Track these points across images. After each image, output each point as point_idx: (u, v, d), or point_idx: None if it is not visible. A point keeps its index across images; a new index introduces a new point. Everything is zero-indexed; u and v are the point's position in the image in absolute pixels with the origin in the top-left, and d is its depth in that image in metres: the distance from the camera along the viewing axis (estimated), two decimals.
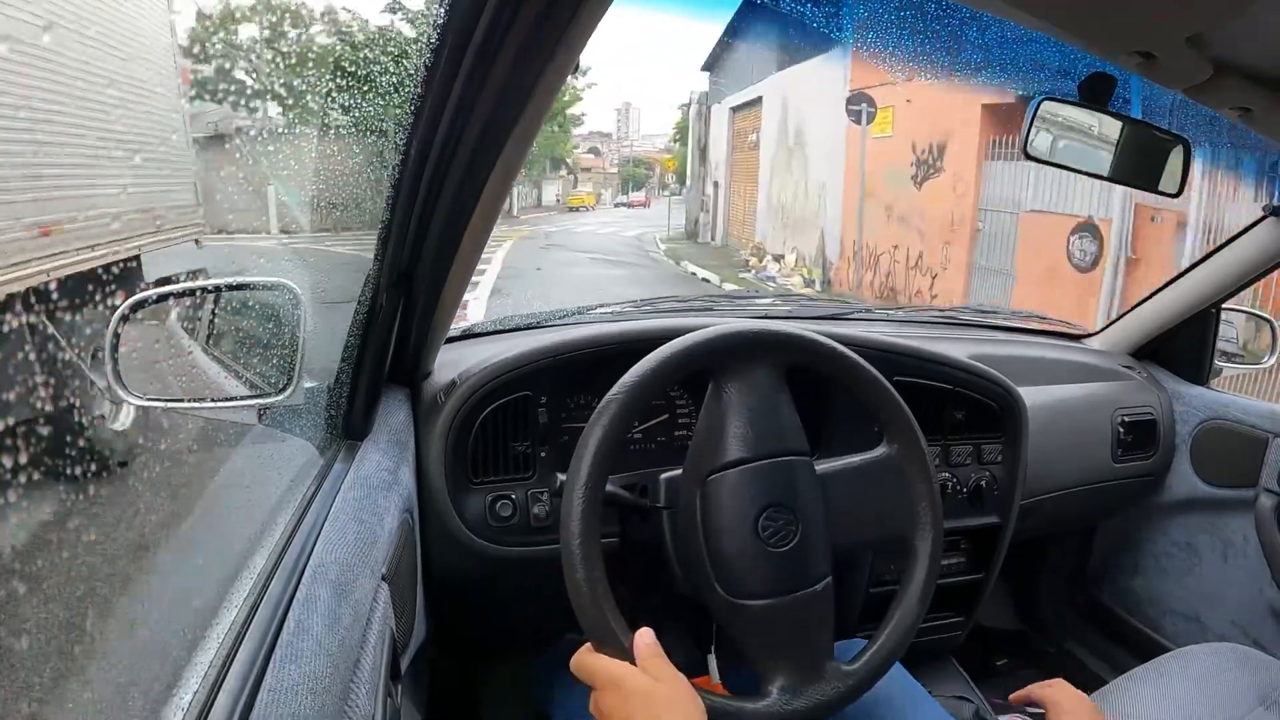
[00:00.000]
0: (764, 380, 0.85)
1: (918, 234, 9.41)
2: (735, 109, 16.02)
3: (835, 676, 0.81)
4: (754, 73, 14.16)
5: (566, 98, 23.98)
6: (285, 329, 0.99)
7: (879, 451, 0.90)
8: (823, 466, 0.87)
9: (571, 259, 14.19)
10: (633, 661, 0.73)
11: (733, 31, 15.06)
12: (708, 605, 0.84)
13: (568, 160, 31.09)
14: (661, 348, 0.83)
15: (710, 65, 17.81)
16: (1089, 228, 6.41)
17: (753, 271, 12.43)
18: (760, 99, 14.05)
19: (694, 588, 0.85)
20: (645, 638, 0.74)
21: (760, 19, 13.26)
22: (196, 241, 4.83)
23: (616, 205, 36.45)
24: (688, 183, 19.77)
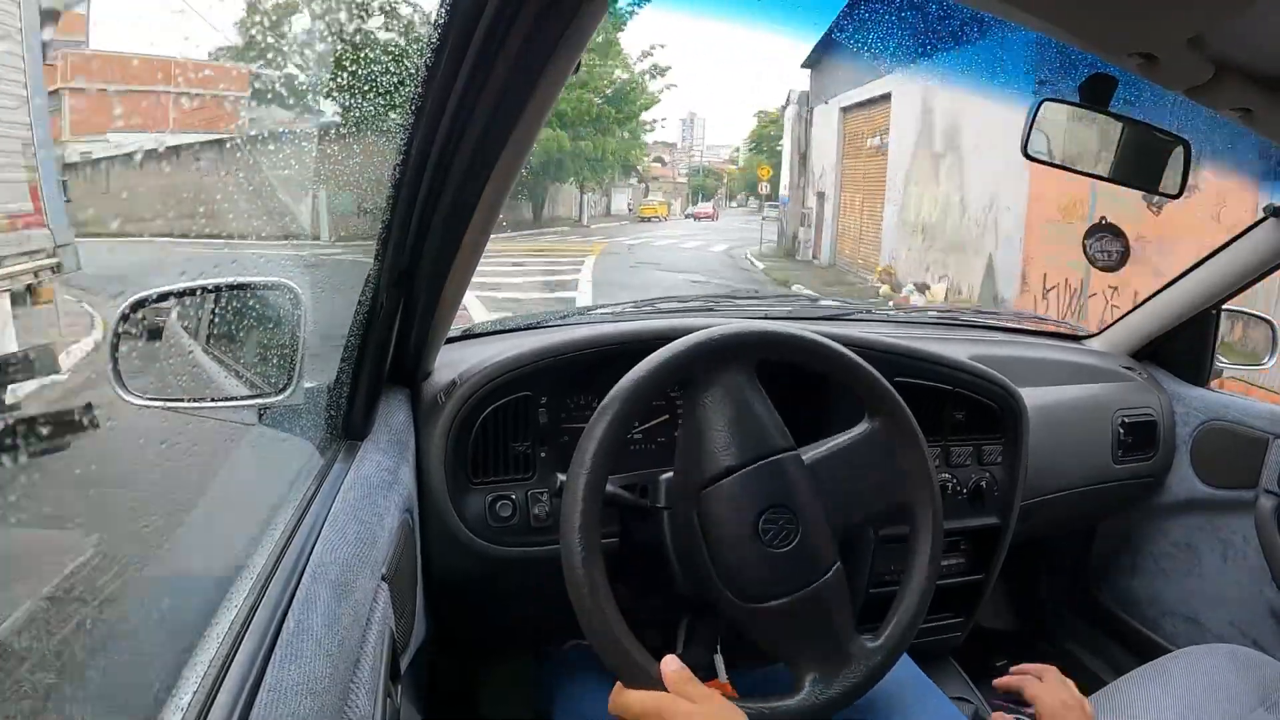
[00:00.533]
0: (735, 384, 0.85)
1: (1151, 271, 6.82)
2: (848, 109, 13.95)
3: (862, 655, 0.82)
4: (874, 68, 11.79)
5: (643, 100, 22.92)
6: (285, 329, 0.99)
7: (861, 427, 0.89)
8: (809, 455, 0.87)
9: (670, 281, 12.07)
10: (663, 688, 0.73)
11: (846, 22, 12.07)
12: (723, 612, 0.84)
13: (639, 168, 29.69)
14: (661, 349, 0.83)
15: (814, 61, 15.41)
16: None
17: (889, 303, 9.37)
18: (888, 96, 11.87)
19: (706, 596, 0.85)
20: (672, 664, 0.74)
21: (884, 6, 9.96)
22: (56, 268, 4.30)
23: (686, 216, 35.32)
24: (781, 193, 17.60)
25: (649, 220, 30.16)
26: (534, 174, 20.39)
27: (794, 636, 0.82)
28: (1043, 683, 0.93)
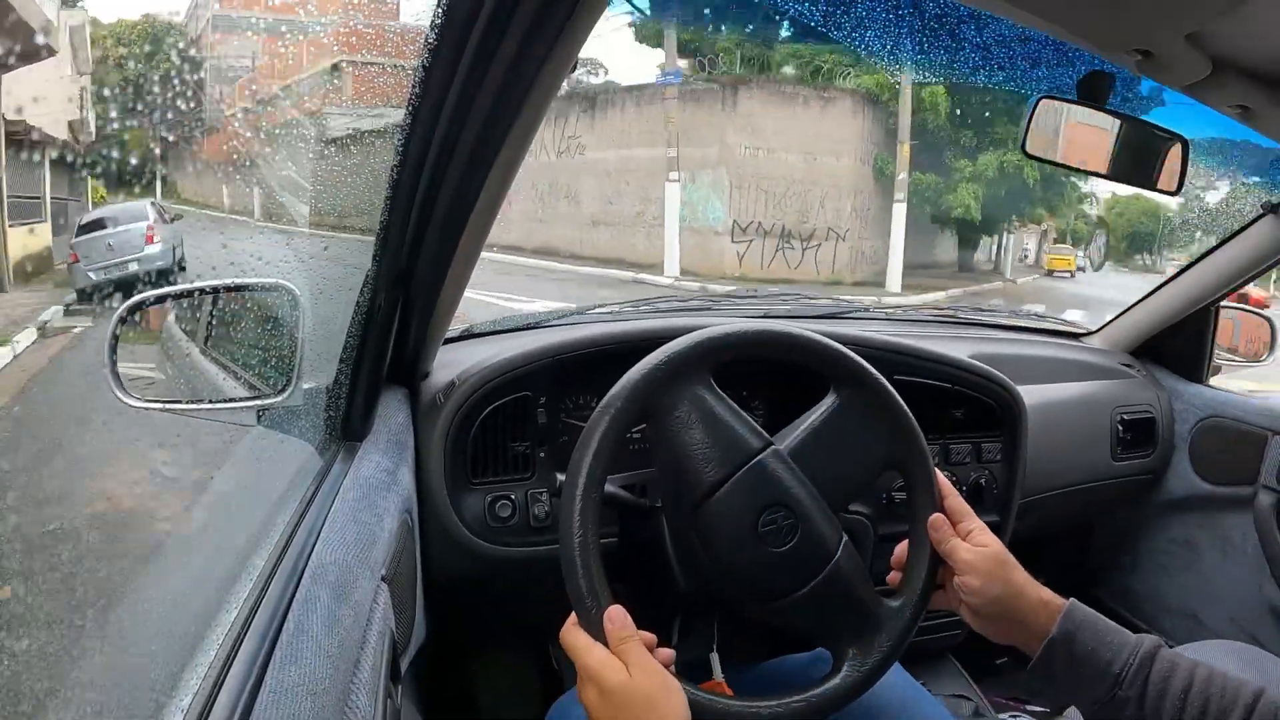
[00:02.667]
0: (695, 398, 0.83)
1: None
2: None
3: (890, 617, 0.83)
4: None
5: None
6: (284, 330, 0.98)
7: (828, 400, 0.87)
8: (786, 444, 0.85)
9: None
10: (603, 635, 0.73)
11: None
12: (748, 612, 0.85)
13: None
14: (663, 347, 0.83)
15: None
16: None
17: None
18: None
19: (725, 597, 0.86)
20: (615, 618, 0.73)
21: None
22: None
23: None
24: None
25: (1054, 274, 19.72)
26: (983, 211, 13.46)
27: (823, 620, 0.83)
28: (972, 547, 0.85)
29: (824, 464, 0.85)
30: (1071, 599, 0.83)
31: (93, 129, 9.06)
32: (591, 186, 13.87)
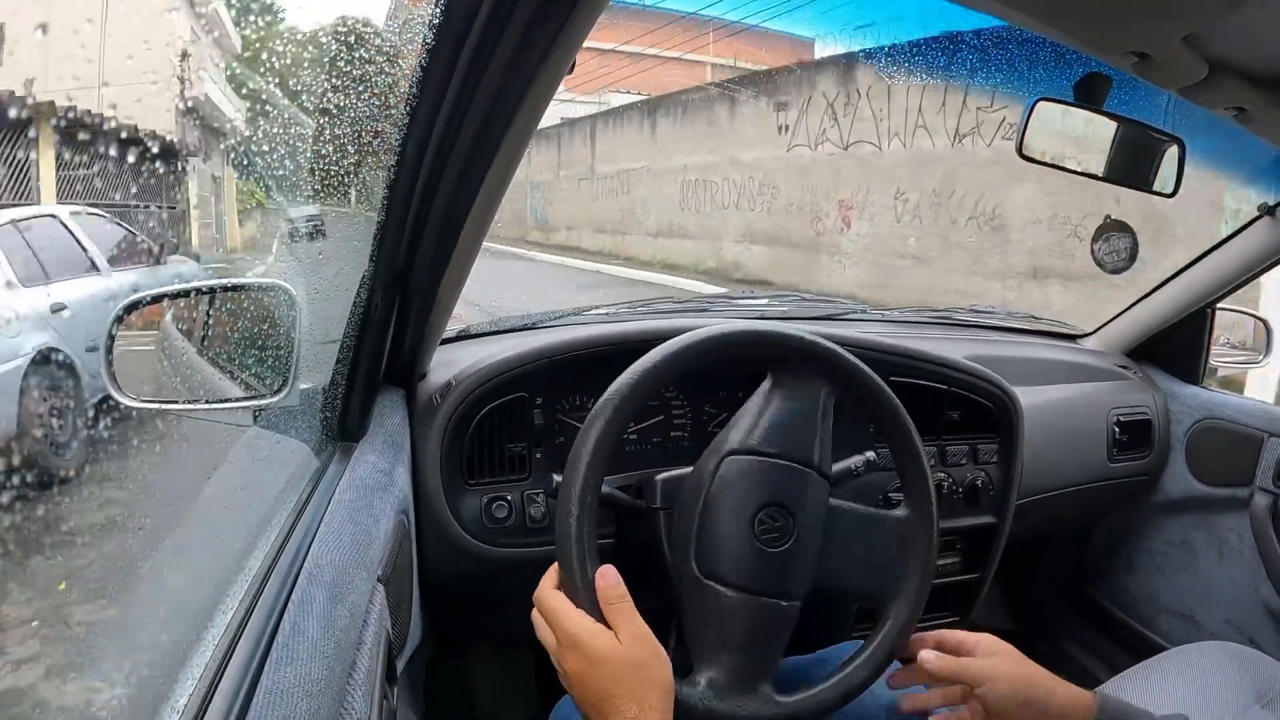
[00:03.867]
0: (813, 394, 0.86)
1: None
2: None
3: (762, 700, 0.80)
4: None
5: None
6: (280, 330, 0.98)
7: (897, 513, 0.89)
8: (836, 499, 0.86)
9: None
10: (595, 604, 0.71)
11: None
12: (675, 579, 0.83)
13: None
14: (657, 349, 0.83)
15: None
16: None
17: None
18: None
19: (672, 562, 0.84)
20: (608, 575, 0.72)
21: None
22: None
23: None
24: None
25: None
26: None
27: (722, 634, 0.80)
28: (983, 658, 0.85)
29: (845, 541, 0.85)
30: (1097, 690, 0.81)
31: None
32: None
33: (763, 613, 0.80)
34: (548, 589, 0.74)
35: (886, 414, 0.88)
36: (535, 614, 0.75)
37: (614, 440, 0.78)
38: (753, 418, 0.85)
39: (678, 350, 0.83)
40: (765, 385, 0.87)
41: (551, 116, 8.41)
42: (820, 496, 0.84)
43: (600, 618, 0.71)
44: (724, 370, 0.87)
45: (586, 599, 0.72)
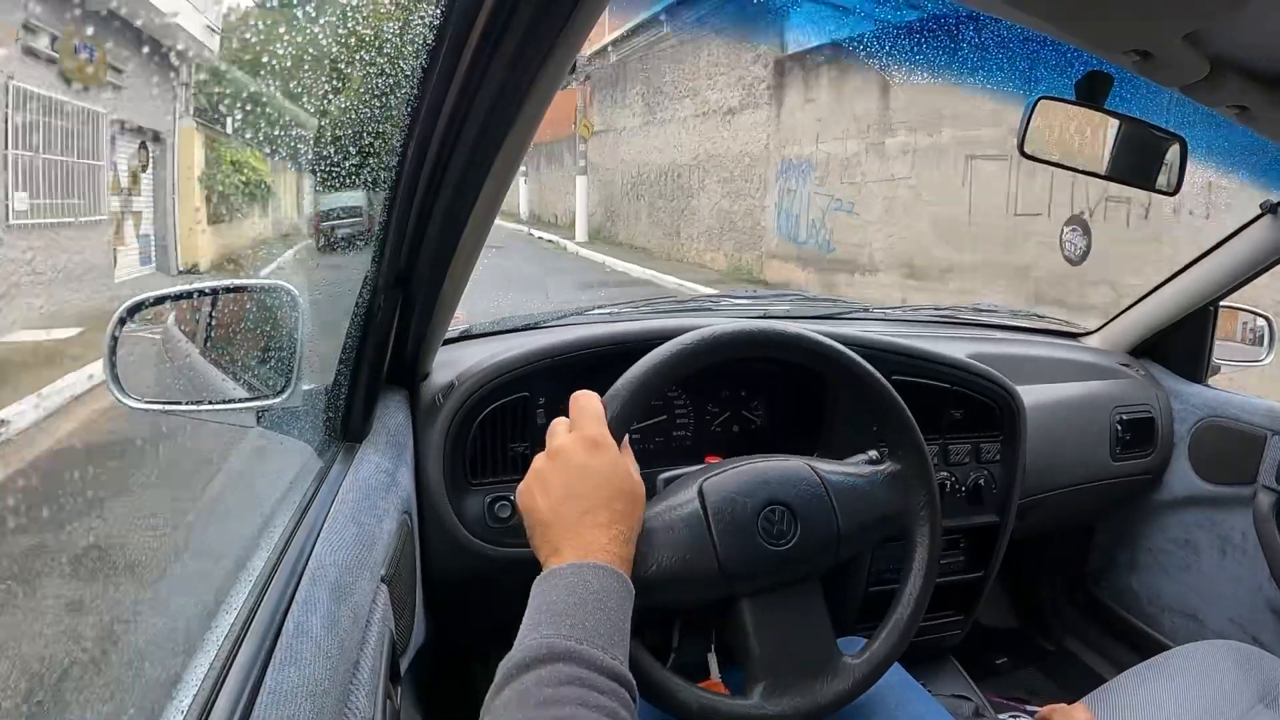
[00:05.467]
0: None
1: None
2: None
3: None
4: None
5: None
6: (283, 331, 0.98)
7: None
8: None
9: None
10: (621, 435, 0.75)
11: None
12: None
13: None
14: (660, 348, 0.83)
15: None
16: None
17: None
18: None
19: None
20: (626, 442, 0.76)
21: None
22: None
23: None
24: None
25: None
26: None
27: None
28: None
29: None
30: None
31: None
32: None
33: (701, 562, 0.78)
34: (593, 395, 0.76)
35: (780, 347, 0.88)
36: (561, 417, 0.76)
37: (616, 439, 0.78)
38: (852, 468, 0.87)
39: (678, 350, 0.83)
40: (885, 465, 0.88)
41: None
42: (823, 558, 0.83)
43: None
44: (724, 369, 0.86)
45: (615, 423, 0.75)
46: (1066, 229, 5.90)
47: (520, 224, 19.79)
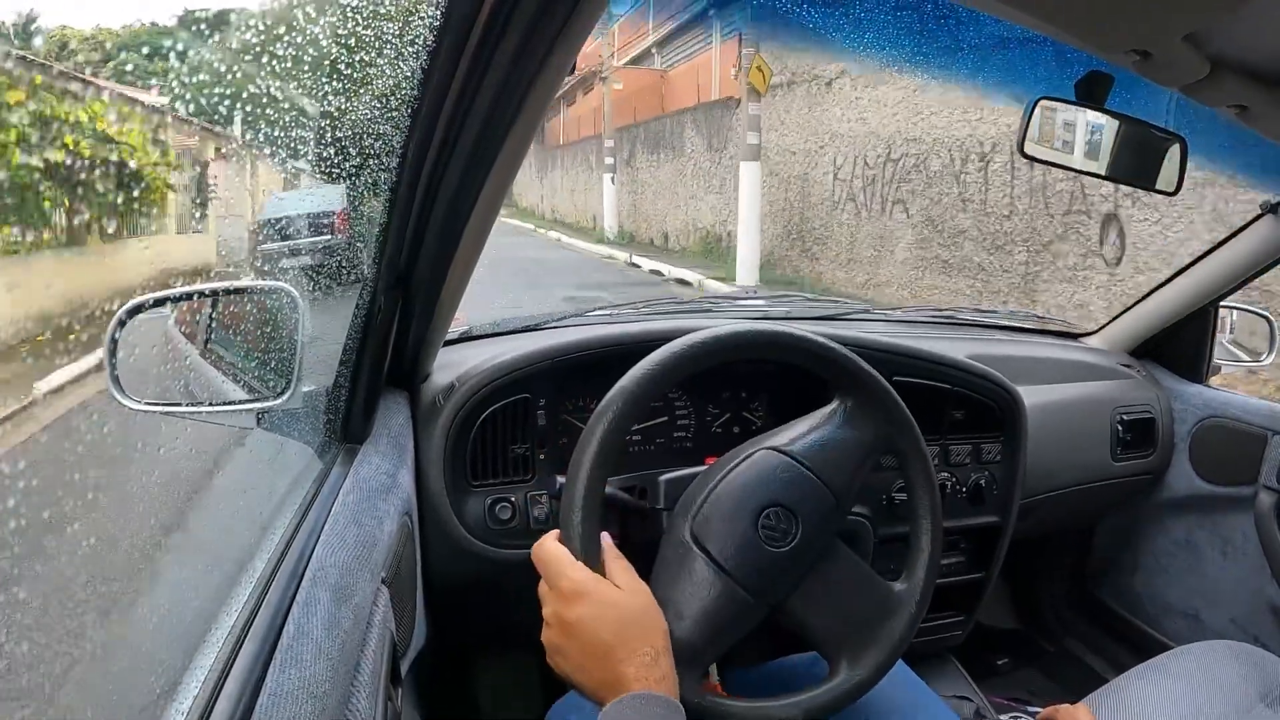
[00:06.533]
0: (870, 432, 0.87)
1: None
2: None
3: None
4: None
5: None
6: (283, 332, 0.98)
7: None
8: (843, 546, 0.85)
9: None
10: (596, 558, 0.73)
11: None
12: (664, 530, 0.83)
13: None
14: (659, 350, 0.83)
15: None
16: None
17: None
18: None
19: (670, 519, 0.85)
20: (605, 540, 0.74)
21: None
22: None
23: None
24: None
25: None
26: None
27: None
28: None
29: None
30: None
31: None
32: None
33: (730, 599, 0.78)
34: (550, 540, 0.75)
35: (780, 349, 0.88)
36: (538, 563, 0.75)
37: (618, 440, 0.78)
38: (806, 427, 0.86)
39: (678, 350, 0.82)
40: (833, 405, 0.88)
41: None
42: (830, 525, 0.83)
43: (601, 572, 0.73)
44: (724, 369, 0.86)
45: (586, 552, 0.73)
46: None
47: (601, 244, 13.33)
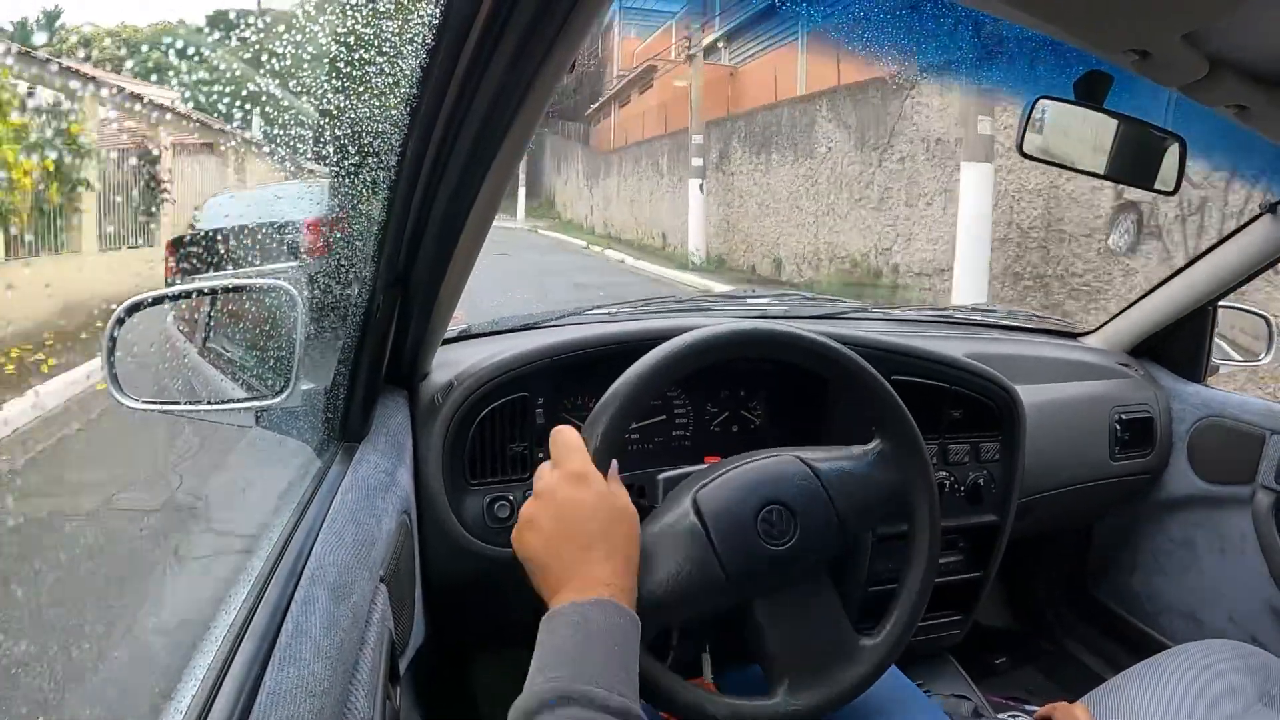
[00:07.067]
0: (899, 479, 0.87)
1: None
2: None
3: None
4: None
5: None
6: (282, 331, 0.98)
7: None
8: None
9: None
10: (605, 463, 0.74)
11: None
12: (661, 490, 0.85)
13: None
14: (658, 348, 0.83)
15: None
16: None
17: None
18: None
19: (671, 489, 0.85)
20: (615, 465, 0.76)
21: None
22: None
23: None
24: None
25: None
26: None
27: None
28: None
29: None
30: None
31: None
32: None
33: (706, 572, 0.77)
34: (570, 429, 0.75)
35: (780, 348, 0.88)
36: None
37: (616, 438, 0.78)
38: (840, 453, 0.86)
39: (676, 350, 0.82)
40: (873, 444, 0.88)
41: None
42: (826, 547, 0.83)
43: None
44: (724, 369, 0.86)
45: (599, 456, 0.74)
46: None
47: (685, 270, 11.03)
